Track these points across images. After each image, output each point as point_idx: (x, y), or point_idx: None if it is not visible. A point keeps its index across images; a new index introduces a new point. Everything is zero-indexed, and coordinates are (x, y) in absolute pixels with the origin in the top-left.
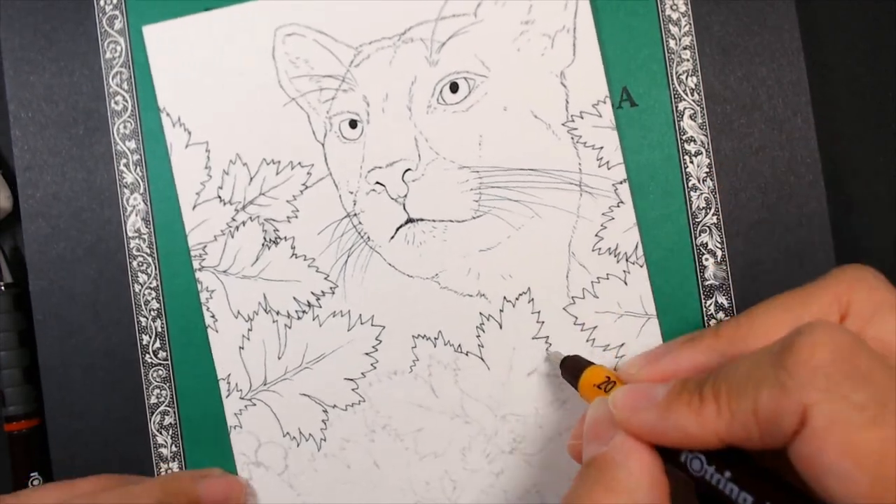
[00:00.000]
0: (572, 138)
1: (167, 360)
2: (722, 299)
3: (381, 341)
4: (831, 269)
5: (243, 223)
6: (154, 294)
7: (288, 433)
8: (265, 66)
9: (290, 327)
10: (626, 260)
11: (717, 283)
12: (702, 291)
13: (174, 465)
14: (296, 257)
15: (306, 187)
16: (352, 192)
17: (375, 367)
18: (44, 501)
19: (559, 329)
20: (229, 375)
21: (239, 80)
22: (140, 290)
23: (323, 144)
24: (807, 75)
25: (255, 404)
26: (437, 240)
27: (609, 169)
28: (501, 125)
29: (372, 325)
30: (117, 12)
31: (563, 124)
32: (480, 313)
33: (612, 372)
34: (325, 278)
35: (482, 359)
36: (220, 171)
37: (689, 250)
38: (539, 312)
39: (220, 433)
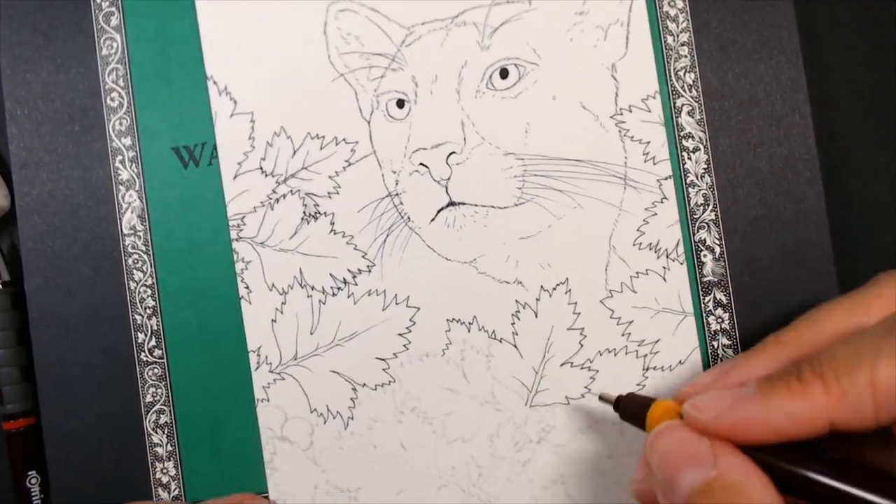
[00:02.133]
0: (620, 131)
1: (163, 358)
2: (720, 296)
3: (414, 323)
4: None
5: (284, 196)
6: (149, 292)
7: (315, 409)
8: (316, 40)
9: (324, 303)
10: (667, 256)
11: (715, 280)
12: (700, 288)
13: (169, 465)
14: (334, 233)
15: (349, 164)
16: (395, 172)
17: (408, 349)
18: None
19: (595, 322)
20: (260, 348)
21: (288, 52)
22: (135, 288)
23: (369, 122)
24: (805, 72)
25: (283, 378)
26: (478, 225)
27: (655, 164)
28: (549, 114)
29: (407, 306)
30: (114, 9)
31: (611, 117)
32: (516, 301)
33: (679, 404)
34: (363, 256)
35: (516, 346)
36: (264, 142)
37: (688, 247)
38: (576, 304)
39: (217, 433)
